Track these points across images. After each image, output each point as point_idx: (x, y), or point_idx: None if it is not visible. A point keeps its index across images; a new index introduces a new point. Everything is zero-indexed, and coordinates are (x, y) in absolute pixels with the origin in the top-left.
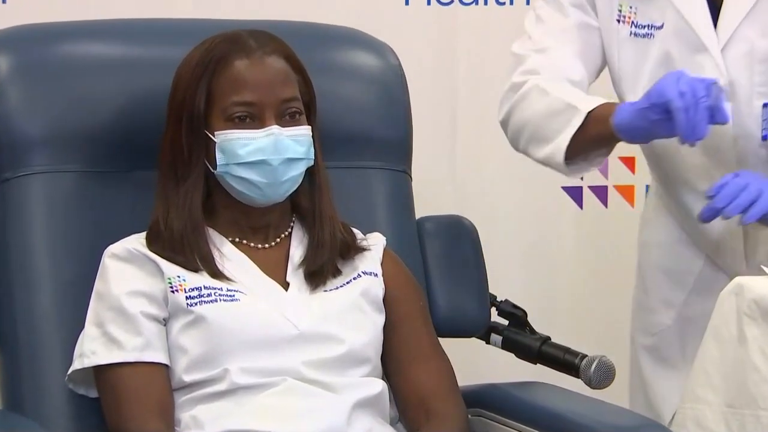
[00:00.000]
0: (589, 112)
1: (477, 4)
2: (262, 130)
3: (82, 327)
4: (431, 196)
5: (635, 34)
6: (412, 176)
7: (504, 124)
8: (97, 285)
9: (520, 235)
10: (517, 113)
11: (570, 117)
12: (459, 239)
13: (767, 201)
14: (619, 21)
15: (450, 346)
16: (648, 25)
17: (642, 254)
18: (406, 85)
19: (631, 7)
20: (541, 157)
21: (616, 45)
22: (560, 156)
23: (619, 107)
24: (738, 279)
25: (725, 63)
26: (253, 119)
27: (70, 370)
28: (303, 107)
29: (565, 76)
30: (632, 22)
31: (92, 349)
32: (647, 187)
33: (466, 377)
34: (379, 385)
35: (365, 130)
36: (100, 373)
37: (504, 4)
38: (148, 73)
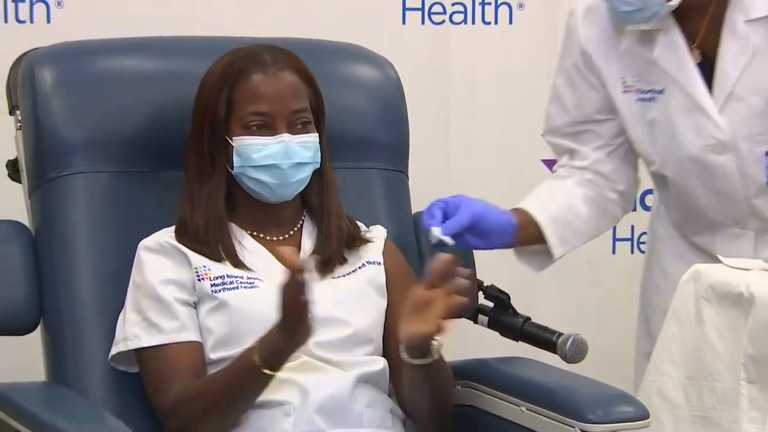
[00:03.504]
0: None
1: (465, 23)
2: (274, 137)
3: (119, 310)
4: (426, 192)
5: (641, 99)
6: (409, 175)
7: None
8: (134, 275)
9: None
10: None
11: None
12: None
13: None
14: (624, 92)
15: None
16: (651, 90)
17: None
18: (404, 94)
19: (633, 77)
20: None
21: (628, 111)
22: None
23: None
24: (696, 266)
25: (723, 121)
26: (267, 127)
27: (114, 352)
28: (312, 115)
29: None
30: (637, 90)
31: (135, 333)
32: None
33: (457, 353)
34: (380, 363)
35: (367, 134)
36: (143, 352)
37: (489, 23)
38: (174, 85)
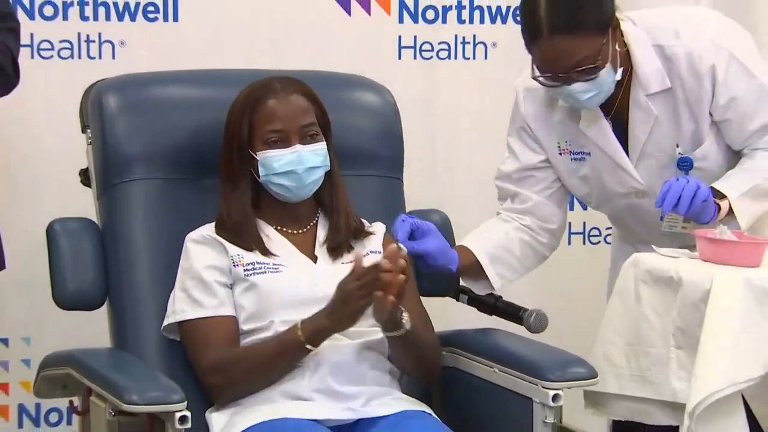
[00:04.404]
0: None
1: (450, 59)
2: (289, 149)
3: (169, 290)
4: (418, 195)
5: (574, 159)
6: (404, 181)
7: None
8: (182, 262)
9: (480, 224)
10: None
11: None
12: (437, 226)
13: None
14: (560, 154)
15: (430, 302)
16: (581, 152)
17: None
18: (399, 115)
19: (566, 142)
20: None
21: (565, 169)
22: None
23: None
24: (635, 255)
25: (639, 174)
26: (282, 141)
27: (165, 323)
28: (319, 129)
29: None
30: (570, 152)
31: (182, 308)
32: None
33: (442, 324)
34: (380, 332)
35: (370, 148)
36: (188, 323)
37: (469, 59)
38: (212, 108)
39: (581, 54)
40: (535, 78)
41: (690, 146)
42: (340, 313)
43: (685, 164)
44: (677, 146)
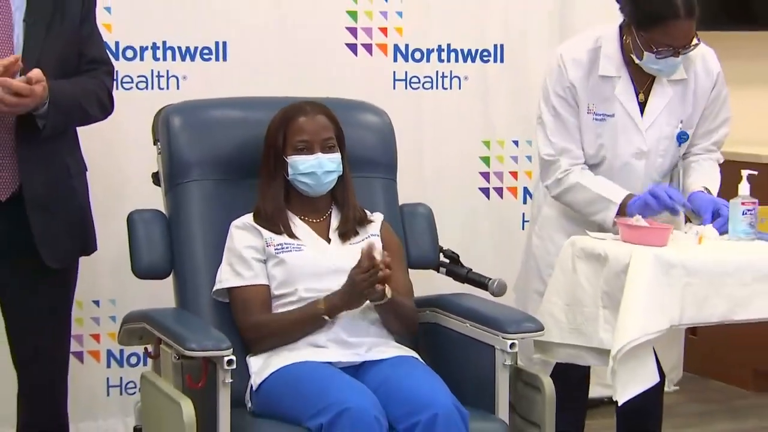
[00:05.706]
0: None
1: (433, 89)
2: (312, 156)
3: (219, 264)
4: (409, 193)
5: (595, 119)
6: (397, 182)
7: (557, 199)
8: (228, 243)
9: (456, 214)
10: (567, 198)
11: (607, 205)
12: (423, 216)
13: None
14: (588, 113)
15: (416, 273)
16: (603, 114)
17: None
18: (394, 132)
19: (593, 104)
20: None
21: (586, 125)
22: (609, 224)
23: (629, 203)
24: (572, 237)
25: (646, 138)
26: (307, 149)
27: (214, 289)
28: (336, 142)
29: (582, 165)
30: (594, 113)
31: (226, 278)
32: (525, 189)
33: (425, 290)
34: None
35: (372, 157)
36: (232, 291)
37: (447, 89)
38: (253, 126)
39: (693, 33)
40: (657, 51)
41: (685, 127)
42: (351, 295)
43: (683, 137)
44: (681, 122)
